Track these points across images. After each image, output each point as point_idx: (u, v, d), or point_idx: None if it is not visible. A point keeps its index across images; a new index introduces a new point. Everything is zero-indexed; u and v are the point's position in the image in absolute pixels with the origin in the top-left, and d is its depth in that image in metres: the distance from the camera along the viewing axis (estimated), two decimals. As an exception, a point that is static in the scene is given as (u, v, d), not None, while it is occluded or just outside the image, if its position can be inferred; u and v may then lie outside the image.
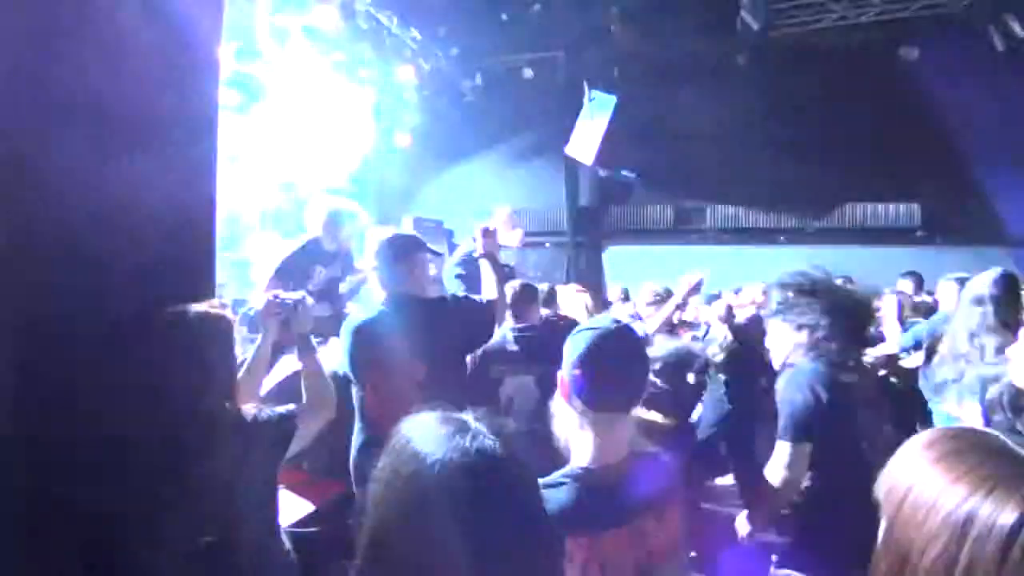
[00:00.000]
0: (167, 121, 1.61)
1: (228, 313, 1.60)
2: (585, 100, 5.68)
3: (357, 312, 2.51)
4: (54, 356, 1.35)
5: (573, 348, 1.22)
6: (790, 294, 1.97)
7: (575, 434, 1.23)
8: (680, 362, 2.39)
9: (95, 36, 1.46)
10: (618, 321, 1.30)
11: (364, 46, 6.04)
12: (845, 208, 7.74)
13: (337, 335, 2.42)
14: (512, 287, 2.87)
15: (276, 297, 1.90)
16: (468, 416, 0.85)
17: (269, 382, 2.29)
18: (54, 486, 1.29)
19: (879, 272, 5.33)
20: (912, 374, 3.42)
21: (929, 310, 3.91)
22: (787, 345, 1.98)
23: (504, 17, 6.62)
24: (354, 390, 2.23)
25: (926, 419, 2.86)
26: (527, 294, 2.96)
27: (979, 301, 2.31)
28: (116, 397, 1.33)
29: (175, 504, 1.36)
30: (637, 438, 1.31)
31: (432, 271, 2.99)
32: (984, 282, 2.36)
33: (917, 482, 0.70)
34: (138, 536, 1.33)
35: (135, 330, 1.41)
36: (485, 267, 2.51)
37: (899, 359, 3.58)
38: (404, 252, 2.34)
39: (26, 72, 1.36)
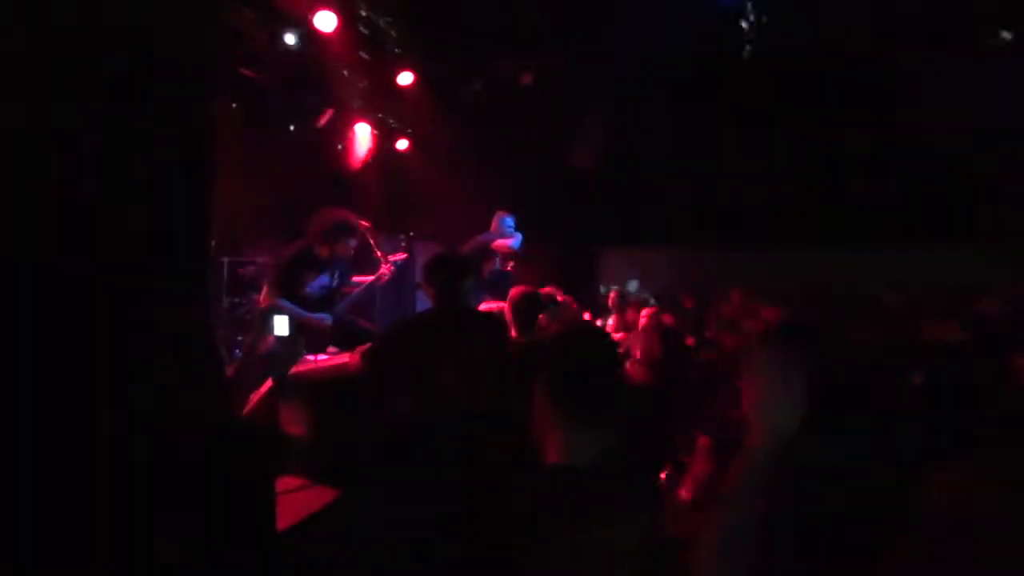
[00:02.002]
0: (163, 123, 1.63)
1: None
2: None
3: None
4: (36, 356, 1.36)
5: (547, 353, 1.30)
6: None
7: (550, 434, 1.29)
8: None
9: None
10: (590, 327, 1.38)
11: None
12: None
13: (335, 345, 2.48)
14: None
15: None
16: None
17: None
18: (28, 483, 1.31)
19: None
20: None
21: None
22: None
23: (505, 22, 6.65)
24: None
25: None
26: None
27: None
28: (99, 398, 1.35)
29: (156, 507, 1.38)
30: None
31: None
32: None
33: None
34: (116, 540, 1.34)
35: (122, 331, 1.43)
36: None
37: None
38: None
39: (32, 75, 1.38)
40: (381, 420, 2.21)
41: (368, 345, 2.46)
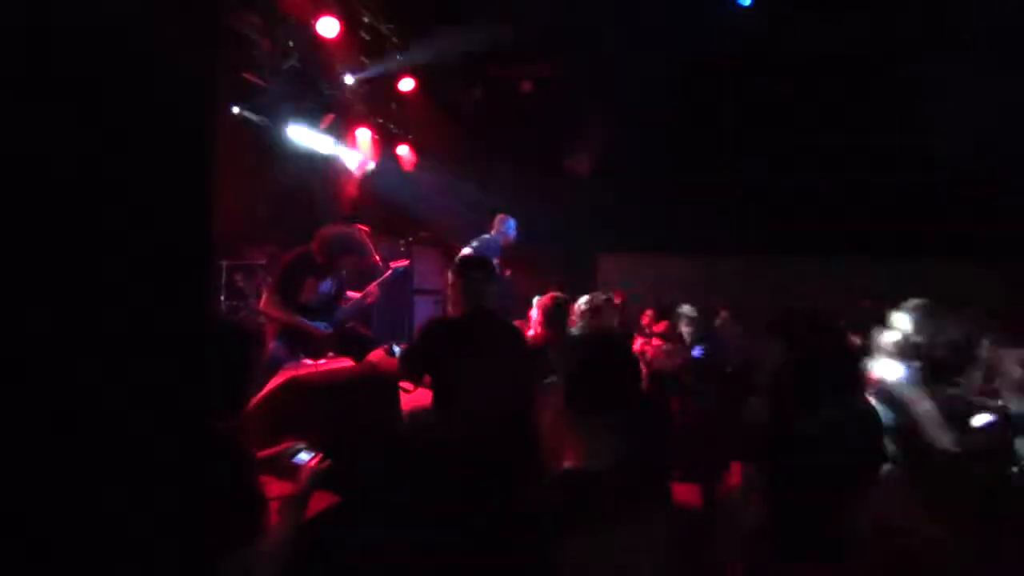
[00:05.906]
0: (161, 124, 1.64)
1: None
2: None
3: None
4: (39, 360, 1.36)
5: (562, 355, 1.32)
6: None
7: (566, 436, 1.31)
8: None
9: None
10: (604, 331, 1.41)
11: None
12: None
13: (336, 352, 2.49)
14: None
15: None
16: None
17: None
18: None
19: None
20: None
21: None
22: None
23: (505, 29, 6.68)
24: None
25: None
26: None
27: None
28: (96, 400, 1.35)
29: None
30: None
31: None
32: None
33: None
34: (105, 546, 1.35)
35: (121, 333, 1.43)
36: None
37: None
38: None
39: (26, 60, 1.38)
40: (411, 423, 2.25)
41: (386, 348, 2.48)
